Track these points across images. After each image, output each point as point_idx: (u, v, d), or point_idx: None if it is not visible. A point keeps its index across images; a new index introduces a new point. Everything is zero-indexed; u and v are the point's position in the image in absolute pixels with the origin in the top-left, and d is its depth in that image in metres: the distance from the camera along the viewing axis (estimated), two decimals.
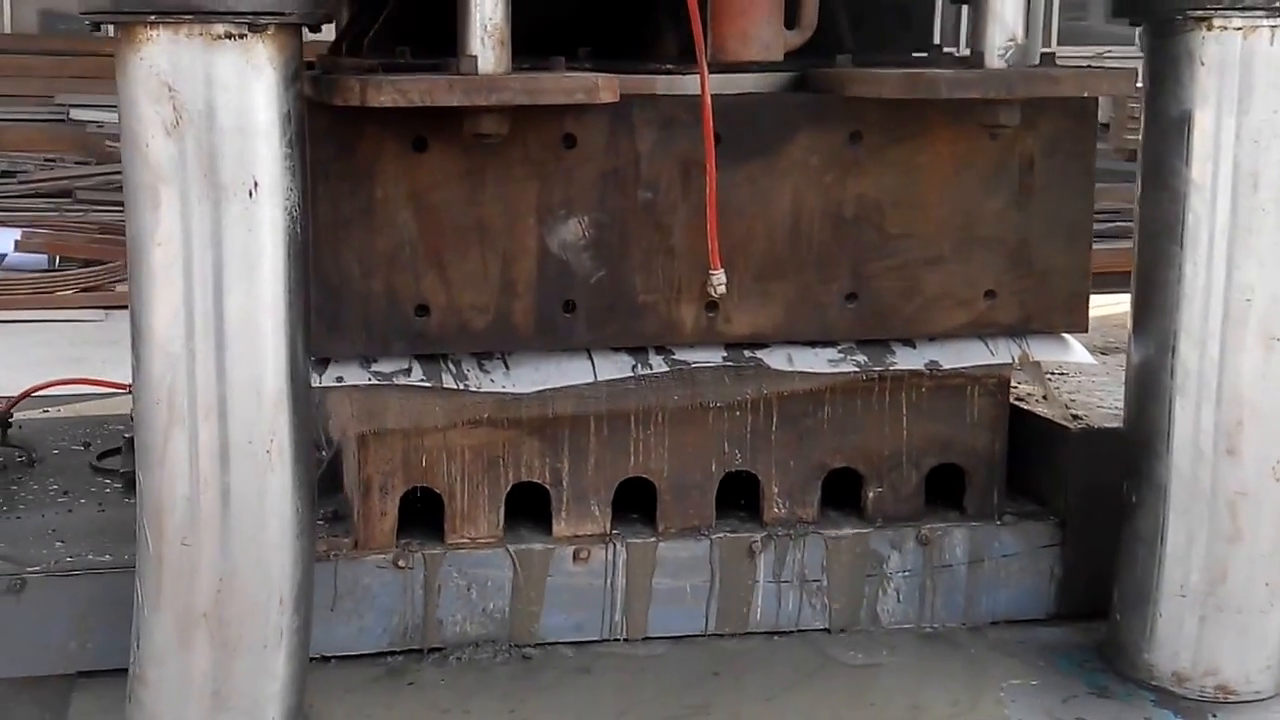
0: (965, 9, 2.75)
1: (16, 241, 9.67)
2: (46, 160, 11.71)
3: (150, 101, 2.11)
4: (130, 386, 2.30)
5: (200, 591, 2.25)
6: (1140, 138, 2.77)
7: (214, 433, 2.20)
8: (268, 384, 2.22)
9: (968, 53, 2.71)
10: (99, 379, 3.64)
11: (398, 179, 2.59)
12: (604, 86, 2.47)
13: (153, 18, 2.07)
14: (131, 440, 2.49)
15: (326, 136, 2.54)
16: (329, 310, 2.59)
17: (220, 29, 2.10)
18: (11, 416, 3.32)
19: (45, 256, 9.62)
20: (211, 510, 2.22)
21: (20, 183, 11.14)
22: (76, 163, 11.64)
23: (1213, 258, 2.60)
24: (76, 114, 12.32)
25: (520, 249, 2.67)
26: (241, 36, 2.11)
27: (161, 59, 2.10)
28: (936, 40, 3.57)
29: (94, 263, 9.44)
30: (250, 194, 2.16)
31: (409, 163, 2.59)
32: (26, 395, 3.37)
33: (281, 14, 2.14)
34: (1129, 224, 3.13)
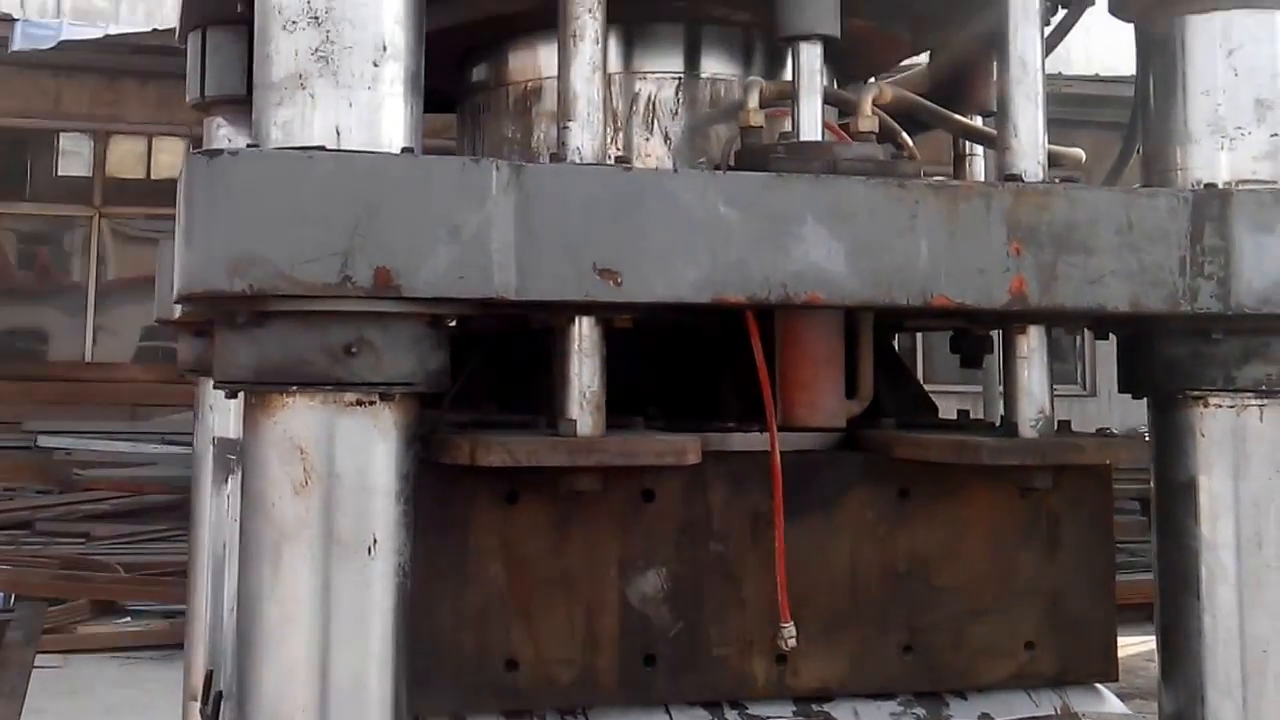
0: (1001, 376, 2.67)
1: None
2: (6, 490, 10.33)
3: (281, 463, 1.90)
4: None
5: None
6: (1153, 497, 2.70)
7: None
8: None
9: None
10: None
11: (490, 531, 2.37)
12: (690, 449, 2.32)
13: (294, 388, 1.88)
14: None
15: (424, 489, 2.32)
16: (421, 666, 2.30)
17: (351, 396, 1.92)
18: None
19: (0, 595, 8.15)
20: None
21: None
22: (37, 492, 10.39)
23: (1228, 612, 2.52)
24: (44, 440, 11.15)
25: (603, 602, 2.44)
26: (371, 403, 1.93)
27: (295, 423, 1.91)
28: None
29: (54, 601, 8.08)
30: (369, 551, 1.93)
31: (501, 515, 2.38)
32: None
33: (410, 384, 1.97)
34: None
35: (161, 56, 10.92)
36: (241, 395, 1.99)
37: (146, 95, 13.45)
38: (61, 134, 14.21)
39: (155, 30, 11.80)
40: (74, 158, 14.29)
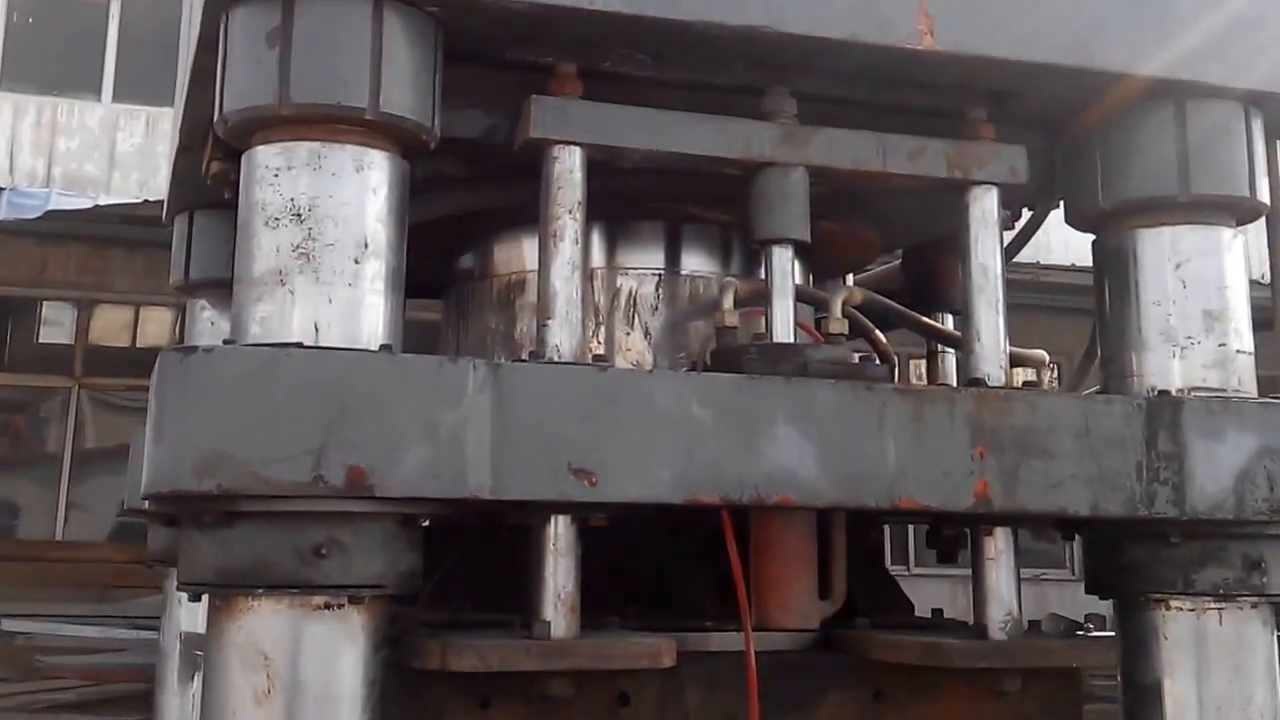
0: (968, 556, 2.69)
1: None
2: None
3: (244, 670, 1.88)
4: None
5: None
6: (1121, 699, 2.70)
7: None
8: None
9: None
10: None
11: None
12: (665, 652, 2.31)
13: (260, 591, 1.86)
14: None
15: (394, 693, 2.27)
16: None
17: (319, 599, 1.90)
18: None
19: None
20: None
21: None
22: None
23: None
24: (6, 624, 10.56)
25: None
26: (340, 606, 1.91)
27: (260, 627, 1.89)
28: None
29: None
30: None
31: None
32: None
33: (380, 586, 1.96)
34: None
35: (151, 227, 11.04)
36: (206, 596, 1.96)
37: (134, 264, 13.52)
38: (45, 302, 14.25)
39: (146, 201, 11.87)
40: (55, 326, 14.31)
